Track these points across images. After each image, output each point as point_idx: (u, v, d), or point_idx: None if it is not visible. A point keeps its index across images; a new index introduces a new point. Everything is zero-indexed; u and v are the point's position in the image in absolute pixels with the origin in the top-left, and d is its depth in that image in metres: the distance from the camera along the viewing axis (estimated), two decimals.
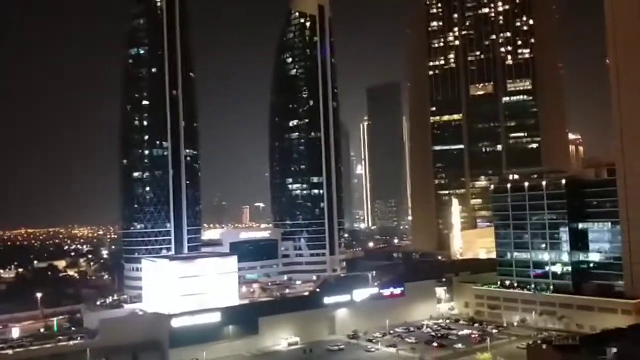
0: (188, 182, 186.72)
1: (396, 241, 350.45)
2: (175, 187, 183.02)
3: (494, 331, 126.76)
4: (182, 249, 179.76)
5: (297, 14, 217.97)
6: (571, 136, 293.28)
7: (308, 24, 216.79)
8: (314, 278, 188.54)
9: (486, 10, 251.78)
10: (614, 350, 78.42)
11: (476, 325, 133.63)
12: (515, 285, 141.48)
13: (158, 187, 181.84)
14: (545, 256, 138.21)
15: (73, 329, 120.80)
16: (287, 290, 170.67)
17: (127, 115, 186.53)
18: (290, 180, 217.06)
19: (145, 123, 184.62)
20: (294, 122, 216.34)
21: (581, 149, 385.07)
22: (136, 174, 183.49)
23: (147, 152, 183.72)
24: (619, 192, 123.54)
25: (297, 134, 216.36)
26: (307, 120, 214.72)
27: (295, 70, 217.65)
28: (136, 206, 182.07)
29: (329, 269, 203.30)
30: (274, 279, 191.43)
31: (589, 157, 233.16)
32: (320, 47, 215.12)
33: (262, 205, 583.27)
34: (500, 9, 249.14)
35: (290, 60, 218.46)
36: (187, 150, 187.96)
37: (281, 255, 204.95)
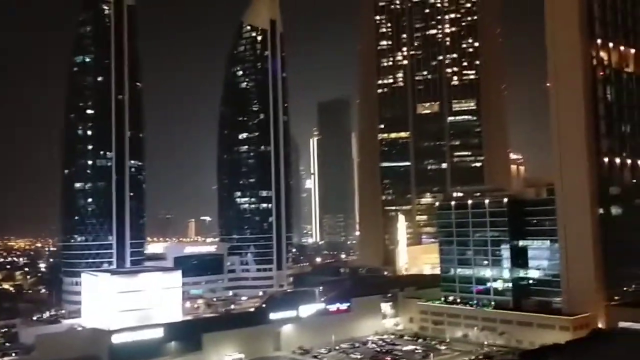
0: (132, 194, 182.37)
1: (343, 256, 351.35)
2: (119, 198, 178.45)
3: (442, 347, 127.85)
4: (125, 263, 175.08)
5: (249, 27, 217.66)
6: (513, 155, 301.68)
7: (259, 38, 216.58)
8: (260, 293, 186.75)
9: (434, 31, 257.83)
10: None
11: (420, 340, 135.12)
12: (458, 300, 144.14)
13: (100, 198, 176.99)
14: (487, 272, 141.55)
15: (8, 344, 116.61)
16: (233, 306, 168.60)
17: (70, 124, 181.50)
18: (239, 193, 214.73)
19: (89, 132, 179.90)
20: (244, 135, 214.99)
21: (522, 168, 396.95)
22: (78, 185, 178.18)
23: (90, 162, 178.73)
24: (557, 211, 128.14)
25: (246, 146, 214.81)
26: (257, 134, 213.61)
27: (245, 83, 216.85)
28: (77, 218, 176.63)
29: (275, 284, 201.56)
30: (219, 294, 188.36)
31: (530, 176, 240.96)
32: (271, 60, 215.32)
33: (208, 218, 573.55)
34: (447, 30, 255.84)
35: (240, 72, 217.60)
36: (132, 161, 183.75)
37: (227, 270, 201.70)
